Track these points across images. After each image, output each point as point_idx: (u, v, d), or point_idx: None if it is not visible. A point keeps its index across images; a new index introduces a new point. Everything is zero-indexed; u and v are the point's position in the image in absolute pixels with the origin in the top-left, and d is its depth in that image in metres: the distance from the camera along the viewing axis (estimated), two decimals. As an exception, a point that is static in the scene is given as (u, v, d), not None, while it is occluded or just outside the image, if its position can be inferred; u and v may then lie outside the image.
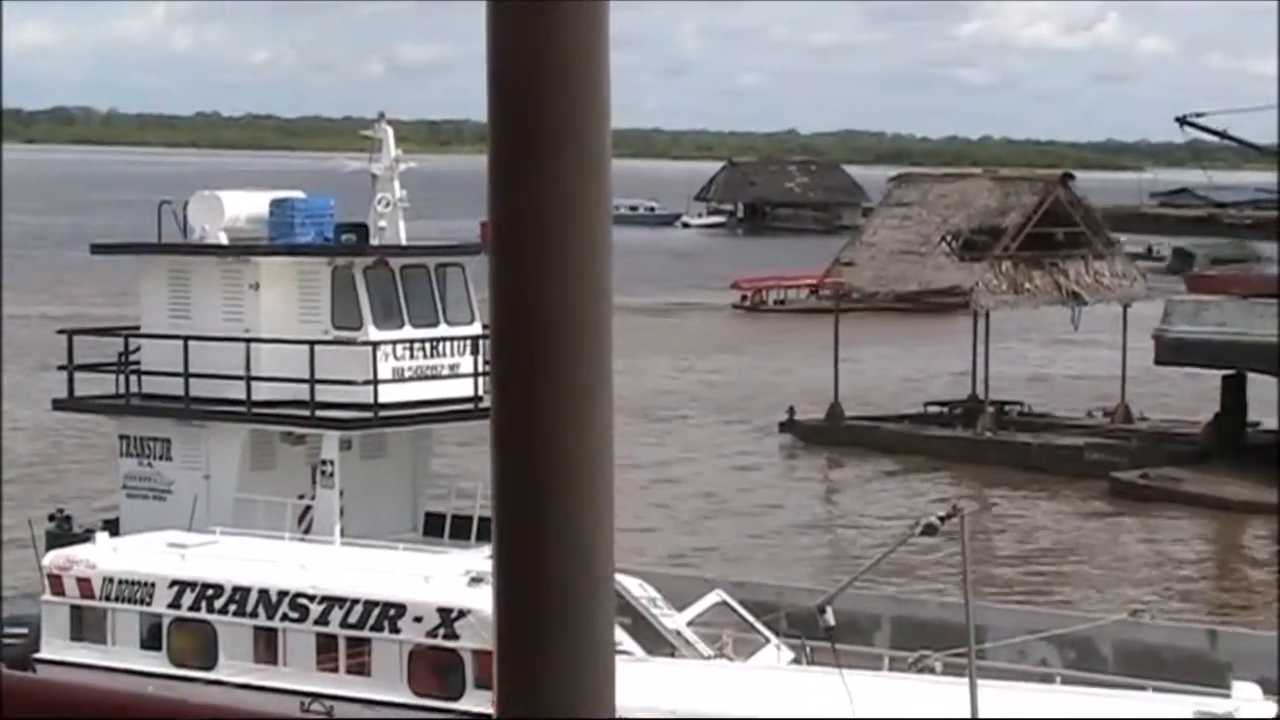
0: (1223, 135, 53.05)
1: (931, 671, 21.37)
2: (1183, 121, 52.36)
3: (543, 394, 3.13)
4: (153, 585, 24.08)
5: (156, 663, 23.81)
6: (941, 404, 55.67)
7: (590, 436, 3.16)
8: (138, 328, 31.09)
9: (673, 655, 22.24)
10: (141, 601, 24.10)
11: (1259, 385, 49.26)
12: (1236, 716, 18.92)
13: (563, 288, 3.12)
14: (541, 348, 3.13)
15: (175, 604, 23.94)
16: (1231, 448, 48.22)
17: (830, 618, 18.73)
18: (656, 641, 22.19)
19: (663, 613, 22.82)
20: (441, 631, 22.10)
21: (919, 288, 54.39)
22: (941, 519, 17.34)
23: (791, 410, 54.87)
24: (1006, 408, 54.61)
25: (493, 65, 3.15)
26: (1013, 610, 27.67)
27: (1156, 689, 21.75)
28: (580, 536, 3.15)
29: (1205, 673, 23.99)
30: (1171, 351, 48.89)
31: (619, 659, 16.53)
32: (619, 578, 23.01)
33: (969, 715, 17.08)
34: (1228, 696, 20.09)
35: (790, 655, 23.08)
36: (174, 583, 24.02)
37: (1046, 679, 22.88)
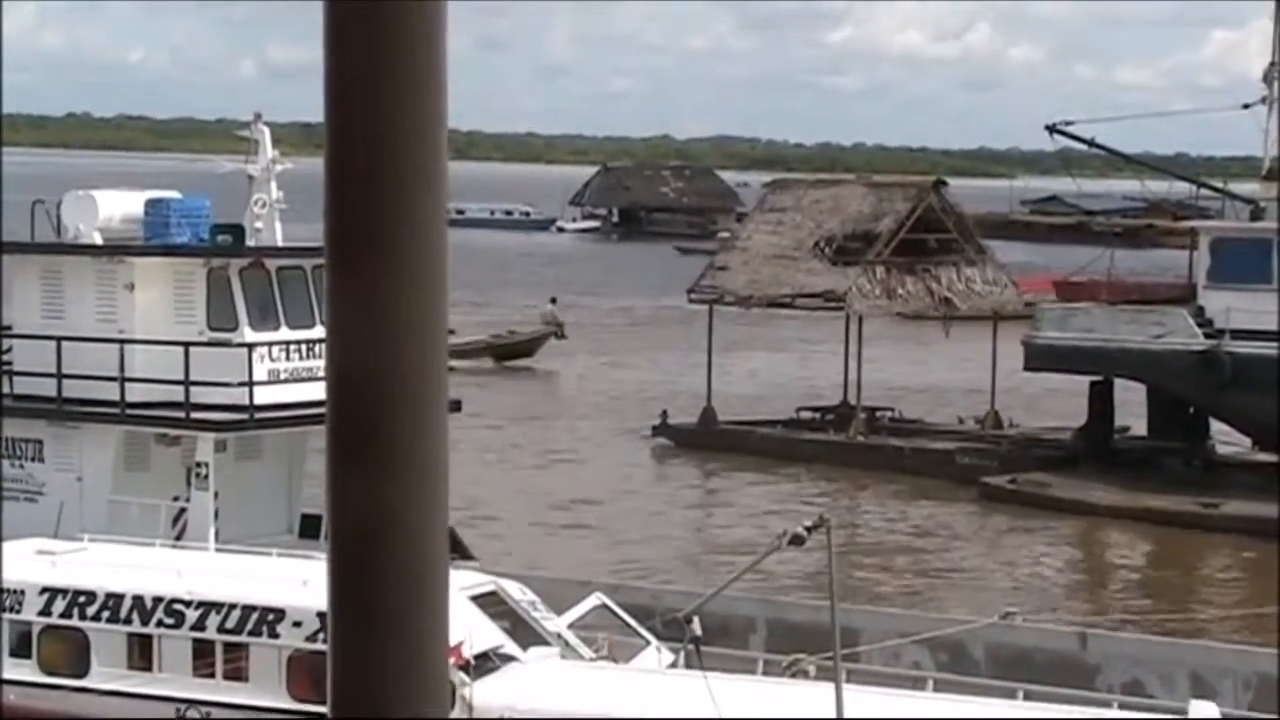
0: (1091, 144, 53.69)
1: (805, 675, 21.54)
2: (1052, 130, 52.94)
3: (378, 396, 3.14)
4: (22, 593, 23.79)
5: (25, 671, 23.52)
6: (813, 409, 56.00)
7: (426, 437, 3.17)
8: (9, 328, 30.82)
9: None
10: (11, 609, 23.80)
11: (1127, 391, 49.95)
12: None
13: (399, 287, 3.13)
14: (379, 349, 3.14)
15: (46, 611, 23.65)
16: (1099, 453, 48.83)
17: (697, 627, 18.82)
18: (537, 645, 22.23)
19: (543, 616, 22.86)
20: (321, 636, 21.97)
21: (793, 292, 54.60)
22: (808, 529, 17.42)
23: (664, 414, 55.04)
24: (878, 413, 54.99)
25: (329, 63, 3.16)
26: (885, 614, 27.93)
27: (1027, 694, 22.12)
28: (416, 537, 3.17)
29: (1076, 675, 24.37)
30: (1040, 358, 49.41)
31: (498, 662, 16.39)
32: (500, 581, 23.08)
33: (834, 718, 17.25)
34: (1184, 714, 20.46)
35: (670, 658, 23.21)
36: (44, 590, 23.74)
37: (919, 682, 23.15)
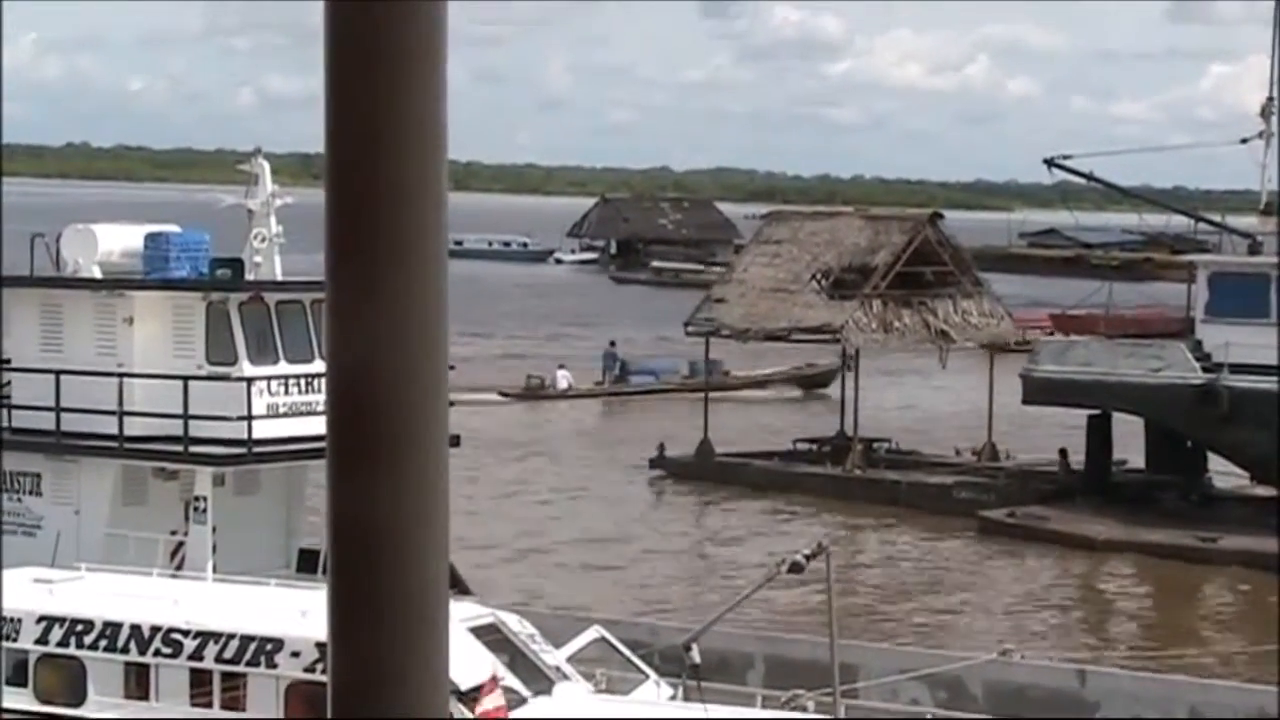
0: (1089, 177, 53.78)
1: (804, 711, 21.53)
2: (1050, 163, 53.04)
3: (378, 418, 3.14)
4: (19, 621, 23.77)
5: (22, 700, 23.49)
6: (810, 441, 55.97)
7: (427, 446, 3.17)
8: (8, 361, 30.82)
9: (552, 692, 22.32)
10: (7, 638, 23.77)
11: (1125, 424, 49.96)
12: None
13: (397, 303, 3.13)
14: (376, 367, 3.14)
15: (43, 640, 23.63)
16: (1096, 486, 48.82)
17: (696, 655, 18.81)
18: (536, 677, 22.24)
19: (542, 649, 22.86)
20: (320, 666, 21.94)
21: (789, 325, 54.65)
22: (807, 556, 17.45)
23: (662, 447, 55.01)
24: (875, 445, 54.97)
25: (329, 64, 3.15)
26: (884, 650, 27.90)
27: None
28: (416, 541, 3.16)
29: (1074, 712, 24.34)
30: (1039, 391, 49.43)
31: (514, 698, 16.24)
32: (499, 614, 23.08)
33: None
34: None
35: (669, 692, 23.20)
36: (42, 618, 23.73)
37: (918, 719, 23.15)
